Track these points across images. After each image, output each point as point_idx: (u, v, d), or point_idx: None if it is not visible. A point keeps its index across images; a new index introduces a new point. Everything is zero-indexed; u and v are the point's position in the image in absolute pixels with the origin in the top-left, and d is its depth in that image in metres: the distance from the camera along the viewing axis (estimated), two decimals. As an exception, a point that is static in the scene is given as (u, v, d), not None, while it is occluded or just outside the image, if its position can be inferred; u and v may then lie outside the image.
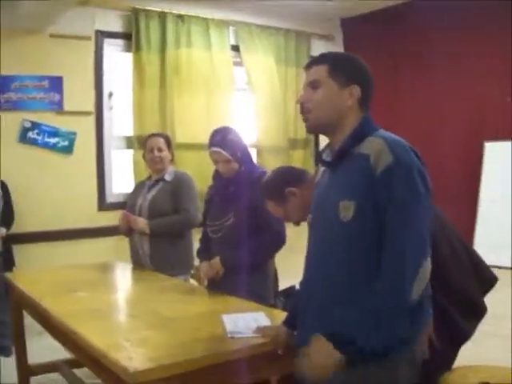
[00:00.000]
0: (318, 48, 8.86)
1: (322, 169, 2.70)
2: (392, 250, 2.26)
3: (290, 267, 2.75)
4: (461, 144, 8.18)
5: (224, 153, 3.97)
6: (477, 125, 8.02)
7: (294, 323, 2.77)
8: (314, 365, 2.35)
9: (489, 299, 3.40)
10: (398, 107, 8.57)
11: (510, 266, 7.66)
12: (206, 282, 4.12)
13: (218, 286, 4.03)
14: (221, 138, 4.02)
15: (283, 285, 4.43)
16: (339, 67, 2.50)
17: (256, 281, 3.97)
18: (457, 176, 8.13)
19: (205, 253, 4.20)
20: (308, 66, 2.58)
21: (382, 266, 2.27)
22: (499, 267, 7.63)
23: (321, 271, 2.51)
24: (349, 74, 2.49)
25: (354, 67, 2.54)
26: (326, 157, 2.60)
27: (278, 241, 3.97)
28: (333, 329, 2.37)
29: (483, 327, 4.66)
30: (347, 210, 2.33)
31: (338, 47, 9.09)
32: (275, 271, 4.34)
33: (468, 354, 3.99)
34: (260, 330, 2.97)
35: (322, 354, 2.32)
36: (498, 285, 3.43)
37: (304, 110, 2.55)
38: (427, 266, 2.26)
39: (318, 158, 2.65)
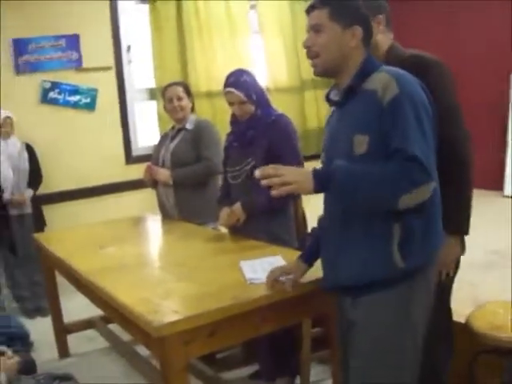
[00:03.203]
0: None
1: (331, 108, 2.70)
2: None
3: (320, 208, 2.69)
4: (487, 77, 8.01)
5: (237, 93, 3.92)
6: (502, 58, 7.83)
7: (310, 259, 2.85)
8: None
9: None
10: (421, 42, 8.37)
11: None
12: (229, 228, 4.11)
13: (240, 231, 4.03)
14: (235, 79, 3.97)
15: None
16: (340, 10, 2.48)
17: (278, 224, 3.94)
18: (485, 109, 7.98)
19: (225, 199, 4.17)
20: (309, 10, 2.56)
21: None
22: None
23: (336, 207, 2.53)
24: (350, 15, 2.48)
25: (354, 8, 2.51)
26: (334, 96, 2.61)
27: None
28: (349, 264, 2.48)
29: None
30: (361, 144, 2.33)
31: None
32: (303, 213, 4.28)
33: (491, 288, 3.92)
34: (270, 275, 2.91)
35: None
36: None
37: (311, 55, 2.54)
38: (423, 190, 2.23)
39: (326, 98, 2.66)
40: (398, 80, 2.32)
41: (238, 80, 3.97)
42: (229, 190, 4.19)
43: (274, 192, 2.28)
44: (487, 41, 7.92)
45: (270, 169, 2.27)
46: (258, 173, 2.27)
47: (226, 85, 4.00)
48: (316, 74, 2.58)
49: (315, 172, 2.27)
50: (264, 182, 2.27)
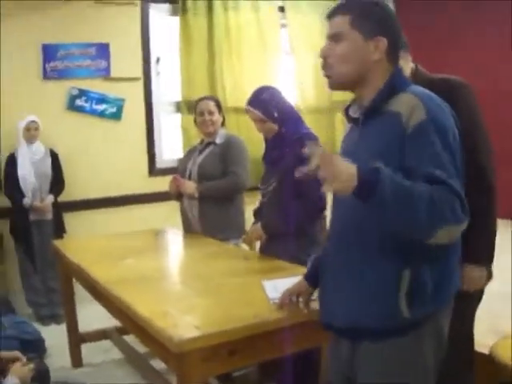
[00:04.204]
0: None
1: (348, 124, 2.49)
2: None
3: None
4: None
5: (255, 111, 3.92)
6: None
7: (313, 280, 2.64)
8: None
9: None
10: (450, 66, 8.27)
11: None
12: (252, 246, 4.09)
13: (264, 250, 4.01)
14: (254, 98, 3.98)
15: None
16: (364, 17, 2.23)
17: (297, 246, 3.85)
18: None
19: (258, 215, 4.20)
20: (329, 16, 2.32)
21: None
22: None
23: (341, 237, 2.34)
24: (375, 24, 2.23)
25: (380, 16, 2.25)
26: (354, 113, 2.39)
27: (317, 208, 3.88)
28: (347, 303, 2.26)
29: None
30: None
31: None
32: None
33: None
34: (282, 297, 2.80)
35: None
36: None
37: (325, 66, 2.31)
38: (459, 228, 2.03)
39: (345, 114, 2.44)
40: (426, 104, 2.09)
41: (257, 98, 3.96)
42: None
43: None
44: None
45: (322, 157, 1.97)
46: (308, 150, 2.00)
47: (247, 103, 4.00)
48: (330, 86, 2.35)
49: (361, 176, 1.95)
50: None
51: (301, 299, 2.74)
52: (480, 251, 2.94)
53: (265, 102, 3.93)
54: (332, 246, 2.42)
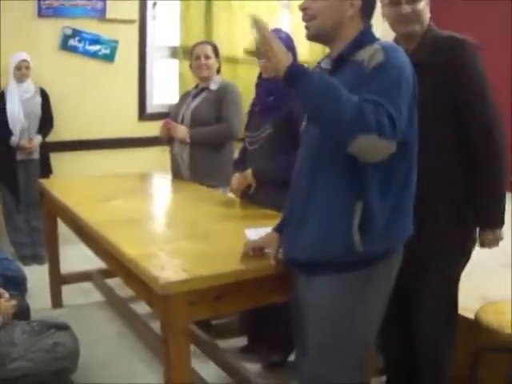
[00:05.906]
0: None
1: None
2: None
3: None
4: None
5: None
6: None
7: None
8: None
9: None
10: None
11: None
12: (239, 194, 4.01)
13: (249, 199, 3.93)
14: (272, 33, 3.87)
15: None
16: None
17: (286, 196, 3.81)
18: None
19: (240, 164, 4.09)
20: None
21: None
22: None
23: (306, 177, 2.45)
24: None
25: None
26: (325, 65, 2.52)
27: None
28: (307, 237, 2.38)
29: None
30: None
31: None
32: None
33: (504, 289, 3.82)
34: (245, 248, 2.80)
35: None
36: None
37: (306, 18, 2.46)
38: (384, 145, 2.11)
39: (317, 66, 2.58)
40: (386, 50, 2.25)
41: (276, 35, 3.86)
42: (245, 154, 4.09)
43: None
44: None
45: (267, 32, 2.31)
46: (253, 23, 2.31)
47: None
48: (308, 37, 2.50)
49: (295, 62, 2.24)
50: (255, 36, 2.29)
51: (267, 251, 2.72)
52: (493, 216, 2.96)
53: (281, 41, 3.86)
54: (293, 182, 2.59)
